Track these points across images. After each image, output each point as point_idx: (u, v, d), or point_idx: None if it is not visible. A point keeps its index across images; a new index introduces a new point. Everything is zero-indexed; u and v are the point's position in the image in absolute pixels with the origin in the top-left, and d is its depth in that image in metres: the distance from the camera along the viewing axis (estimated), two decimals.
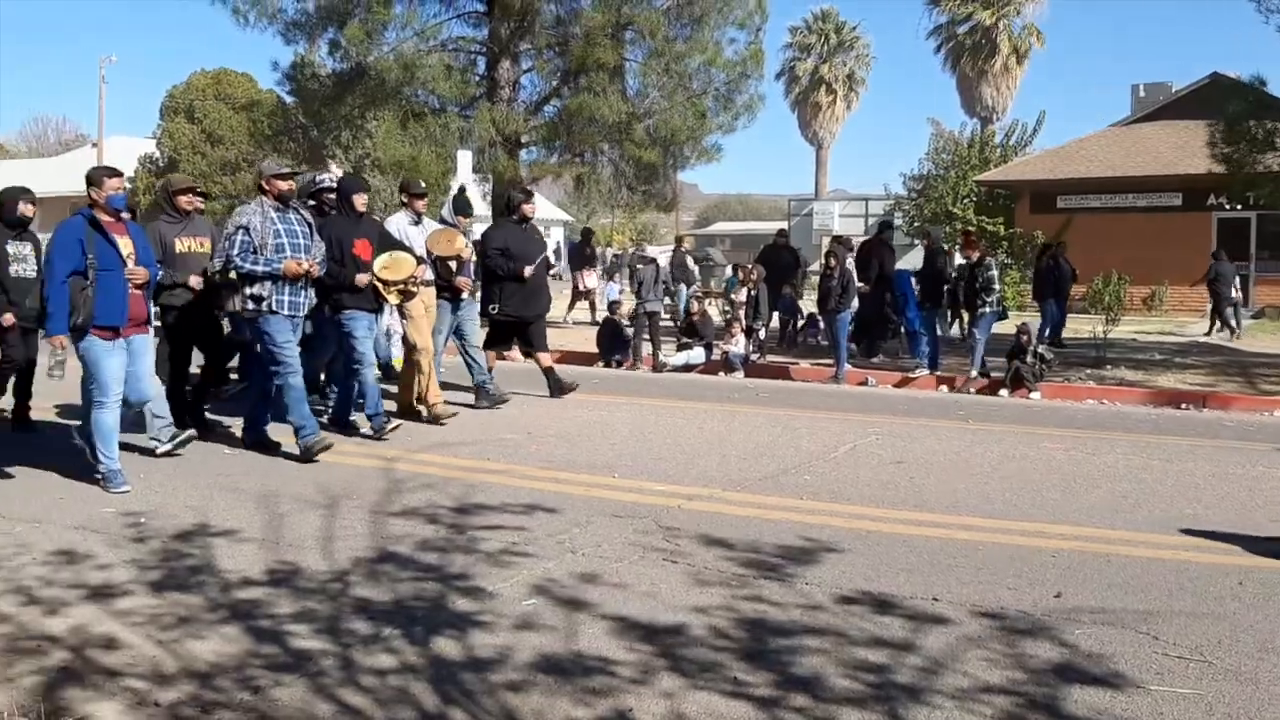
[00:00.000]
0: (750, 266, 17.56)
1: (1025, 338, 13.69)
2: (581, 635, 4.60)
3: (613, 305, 17.69)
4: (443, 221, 10.55)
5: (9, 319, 8.66)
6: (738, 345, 15.66)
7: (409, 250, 9.33)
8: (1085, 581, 5.38)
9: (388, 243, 9.20)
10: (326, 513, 6.59)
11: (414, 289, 9.20)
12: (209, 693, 4.03)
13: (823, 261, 15.99)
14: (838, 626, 4.71)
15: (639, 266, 16.17)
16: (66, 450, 7.91)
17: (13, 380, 9.11)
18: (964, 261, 14.79)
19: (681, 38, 20.07)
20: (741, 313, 16.40)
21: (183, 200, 8.71)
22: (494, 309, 10.79)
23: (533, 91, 21.43)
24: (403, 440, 8.83)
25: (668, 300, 19.39)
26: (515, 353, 12.44)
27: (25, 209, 8.97)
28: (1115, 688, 4.07)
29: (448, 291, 10.17)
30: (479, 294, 11.02)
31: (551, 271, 11.61)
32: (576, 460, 8.22)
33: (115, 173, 7.34)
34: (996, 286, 14.08)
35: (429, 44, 20.12)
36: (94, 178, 7.16)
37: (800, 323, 18.72)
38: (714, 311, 19.88)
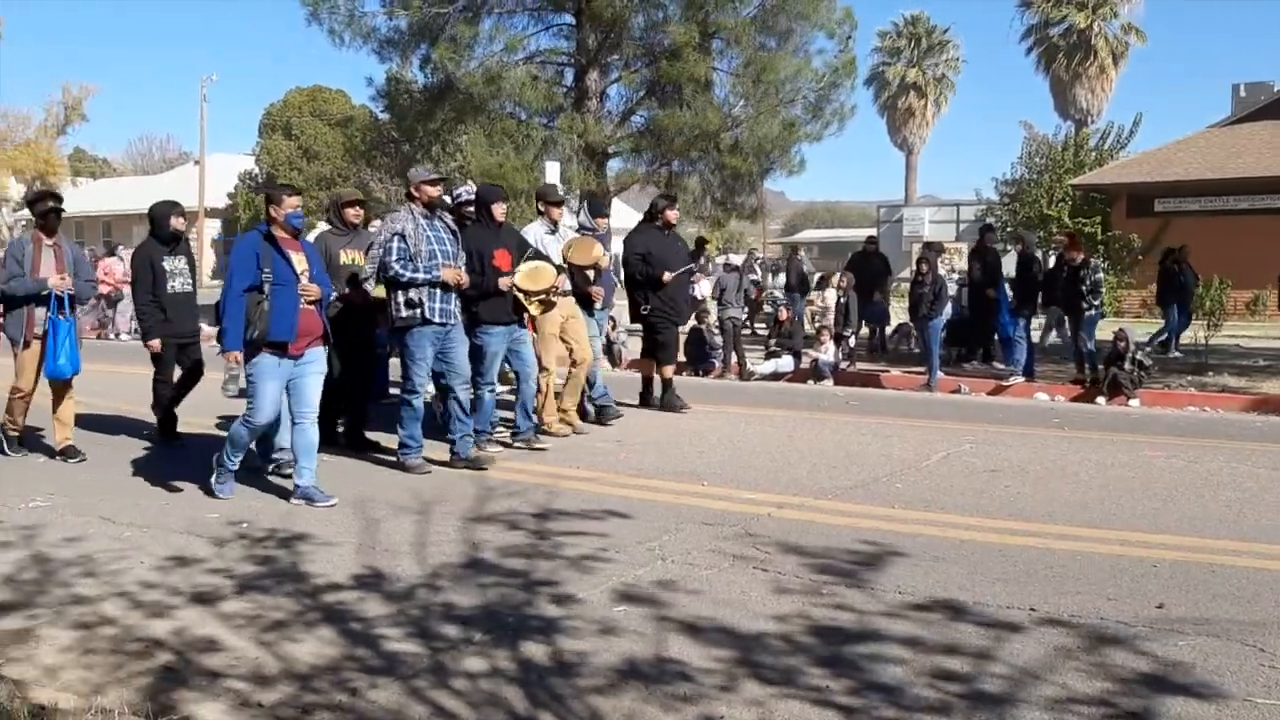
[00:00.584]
0: (840, 274, 17.43)
1: (1123, 344, 13.37)
2: (670, 642, 4.60)
3: (700, 314, 17.70)
4: (582, 229, 10.40)
5: (155, 344, 8.72)
6: (827, 353, 15.55)
7: (549, 260, 9.14)
8: (1188, 592, 5.23)
9: (527, 252, 8.96)
10: (419, 518, 6.68)
11: (554, 299, 9.02)
12: (308, 694, 4.12)
13: (914, 268, 15.81)
14: (928, 636, 4.64)
15: (721, 274, 16.16)
16: (174, 458, 8.16)
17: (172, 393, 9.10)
18: (1067, 264, 14.48)
19: (769, 46, 20.01)
20: (831, 320, 16.28)
21: (350, 213, 8.60)
22: (647, 309, 10.68)
23: (619, 102, 21.56)
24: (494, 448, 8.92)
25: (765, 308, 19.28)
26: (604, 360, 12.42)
27: (177, 223, 8.97)
28: (1219, 701, 3.95)
29: (582, 300, 9.96)
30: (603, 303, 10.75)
31: (694, 280, 11.33)
32: (666, 468, 8.22)
33: (294, 191, 7.38)
34: (1102, 289, 13.86)
35: (516, 57, 20.35)
36: (273, 196, 7.23)
37: (889, 330, 18.53)
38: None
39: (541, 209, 9.95)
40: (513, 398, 9.41)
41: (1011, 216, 33.55)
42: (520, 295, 8.68)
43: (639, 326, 11.27)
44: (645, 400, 11.16)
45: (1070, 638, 4.61)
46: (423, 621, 4.88)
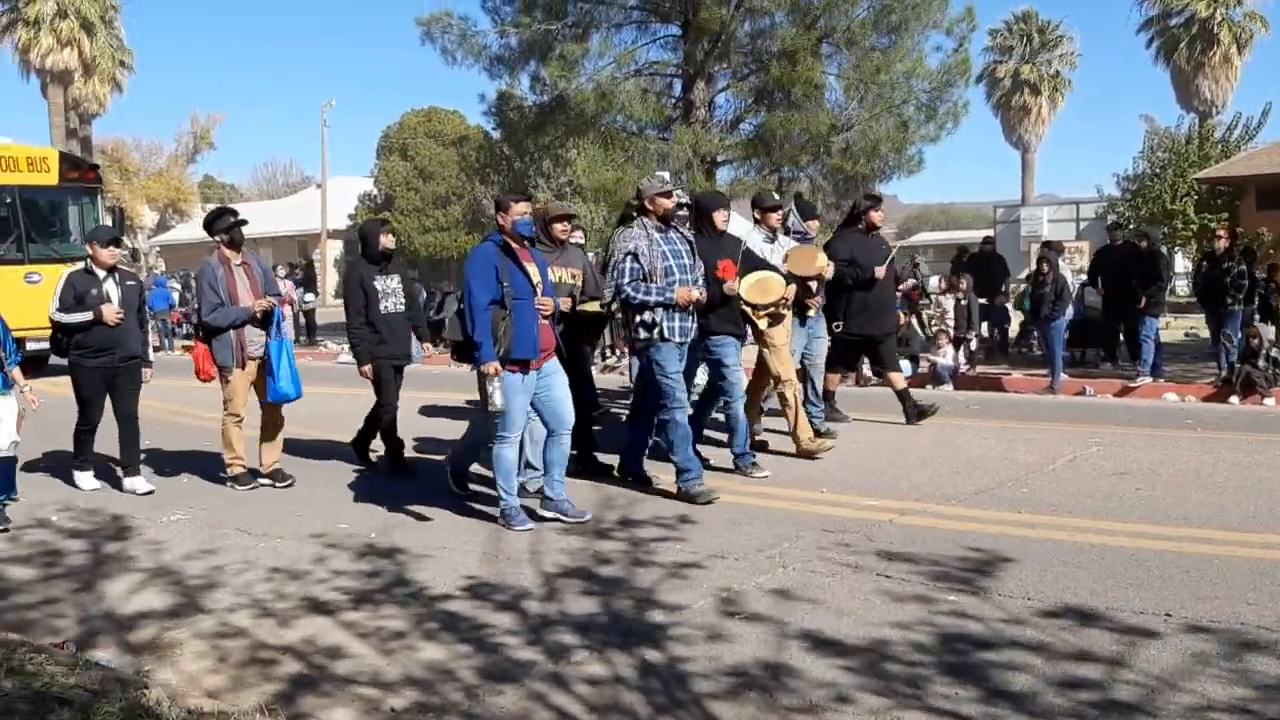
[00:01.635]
0: (959, 276, 17.15)
1: (1257, 340, 12.89)
2: (790, 649, 4.58)
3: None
4: (791, 233, 9.81)
5: (367, 370, 8.51)
6: (946, 357, 15.30)
7: (776, 270, 8.63)
8: None
9: (751, 263, 8.41)
10: (548, 527, 6.77)
11: (783, 312, 8.58)
12: (433, 698, 4.22)
13: (1034, 268, 15.46)
14: (1057, 643, 4.54)
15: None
16: (311, 474, 8.42)
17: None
18: (1220, 258, 13.98)
19: (881, 47, 19.79)
20: (950, 323, 16.01)
21: (558, 229, 7.96)
22: (838, 327, 10.17)
23: (728, 110, 21.54)
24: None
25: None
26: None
27: (386, 241, 8.70)
28: None
29: (795, 309, 9.18)
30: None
31: (902, 288, 11.08)
32: (784, 475, 8.17)
33: (525, 197, 7.11)
34: (1245, 283, 13.40)
35: (625, 71, 20.50)
36: (501, 202, 6.92)
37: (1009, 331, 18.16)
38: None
39: (757, 216, 9.44)
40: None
41: (1134, 213, 32.57)
42: (748, 309, 8.23)
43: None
44: (830, 412, 10.32)
45: (1208, 643, 4.47)
46: (541, 629, 4.96)
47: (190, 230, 56.29)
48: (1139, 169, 33.51)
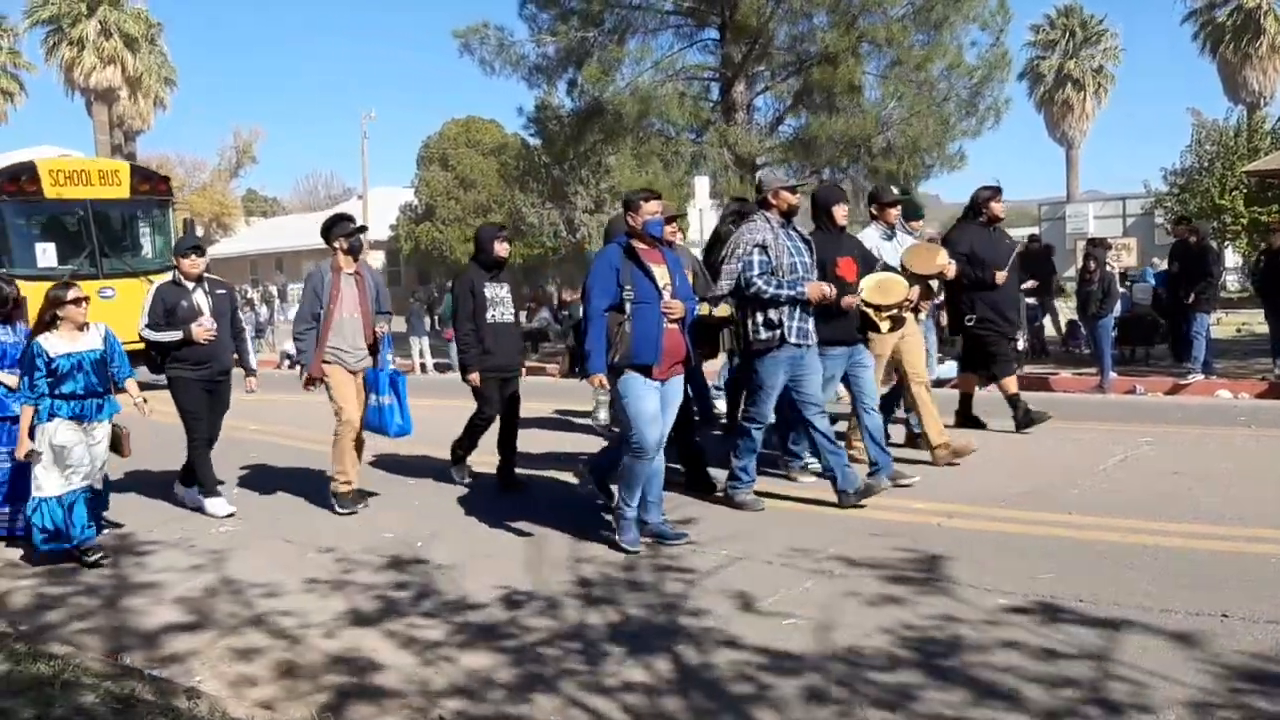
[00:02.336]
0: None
1: None
2: (836, 654, 4.53)
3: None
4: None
5: (475, 378, 8.02)
6: None
7: (898, 270, 8.17)
8: None
9: (871, 261, 7.98)
10: (587, 536, 6.75)
11: (906, 314, 8.13)
12: (478, 706, 4.22)
13: (1080, 265, 15.25)
14: (1111, 647, 4.45)
15: None
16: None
17: (496, 436, 8.35)
18: (1272, 252, 13.71)
19: (920, 44, 19.66)
20: None
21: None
22: (970, 320, 9.48)
23: (767, 112, 21.49)
24: None
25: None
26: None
27: (500, 248, 8.31)
28: None
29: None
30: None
31: (1025, 285, 10.23)
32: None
33: (655, 195, 6.60)
34: None
35: (663, 75, 20.50)
36: (631, 202, 6.50)
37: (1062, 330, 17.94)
38: None
39: (875, 212, 8.87)
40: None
41: (1182, 208, 32.11)
42: (869, 311, 7.73)
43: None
44: (965, 419, 9.92)
45: (1271, 642, 4.36)
46: (580, 635, 4.94)
47: (235, 244, 57.08)
48: (1186, 163, 33.04)
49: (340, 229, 7.94)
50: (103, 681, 4.53)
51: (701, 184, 19.47)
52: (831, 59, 18.87)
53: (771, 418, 7.29)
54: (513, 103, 47.98)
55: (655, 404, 6.27)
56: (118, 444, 6.92)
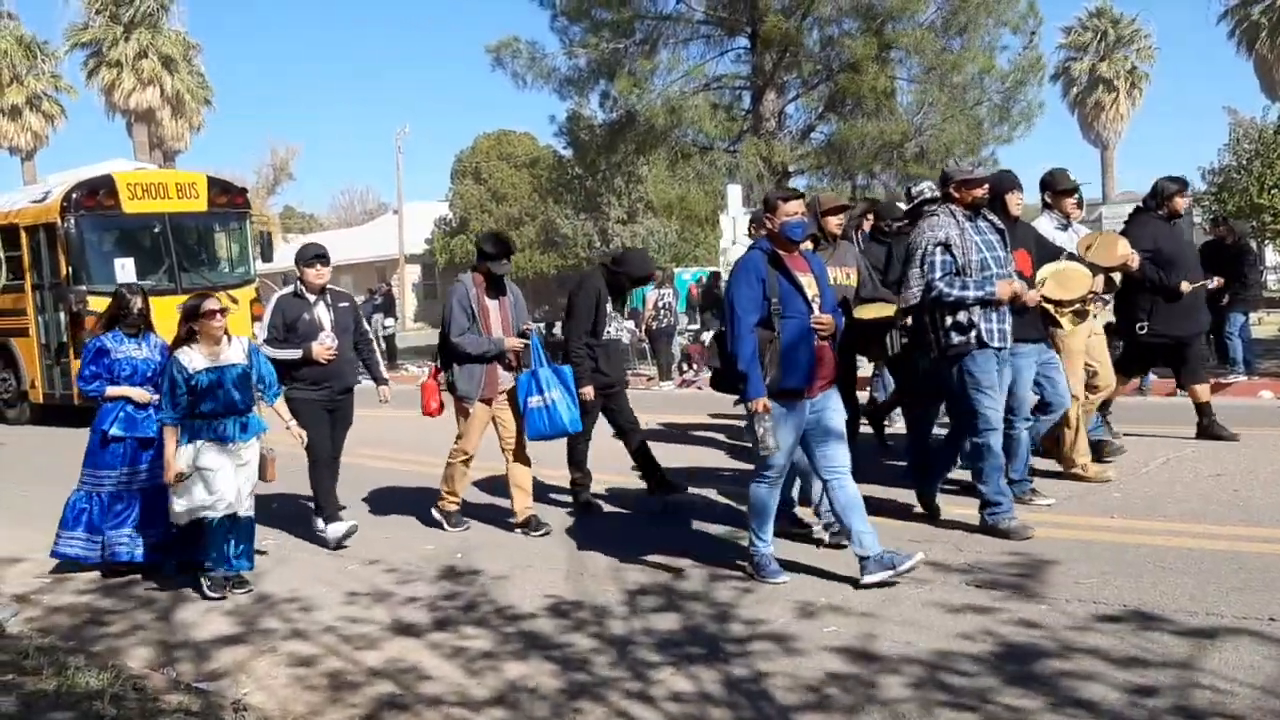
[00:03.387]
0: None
1: None
2: (881, 661, 4.52)
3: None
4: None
5: (589, 392, 7.55)
6: None
7: (1080, 261, 7.49)
8: None
9: (1046, 253, 7.36)
10: (636, 545, 6.77)
11: (1089, 309, 7.45)
12: (521, 717, 4.24)
13: None
14: (1156, 651, 4.41)
15: None
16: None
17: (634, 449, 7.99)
18: None
19: (951, 48, 19.60)
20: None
21: (833, 222, 7.01)
22: (1143, 328, 8.59)
23: (798, 120, 21.48)
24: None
25: None
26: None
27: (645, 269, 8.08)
28: None
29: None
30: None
31: (1213, 284, 9.51)
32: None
33: (796, 194, 5.90)
34: None
35: (694, 85, 20.54)
36: (769, 201, 5.83)
37: None
38: None
39: (1049, 200, 8.14)
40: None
41: (1220, 207, 31.77)
42: (1049, 306, 7.09)
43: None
44: (1206, 432, 8.98)
45: None
46: (625, 645, 4.95)
47: (275, 261, 57.40)
48: (1224, 162, 32.68)
49: (492, 246, 7.44)
50: (151, 696, 4.59)
51: (734, 192, 19.49)
52: (858, 66, 18.83)
53: (1000, 424, 6.48)
54: (544, 116, 48.22)
55: (795, 435, 5.69)
56: (262, 468, 6.45)
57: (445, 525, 7.57)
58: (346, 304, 7.57)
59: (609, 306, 7.90)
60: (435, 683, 4.68)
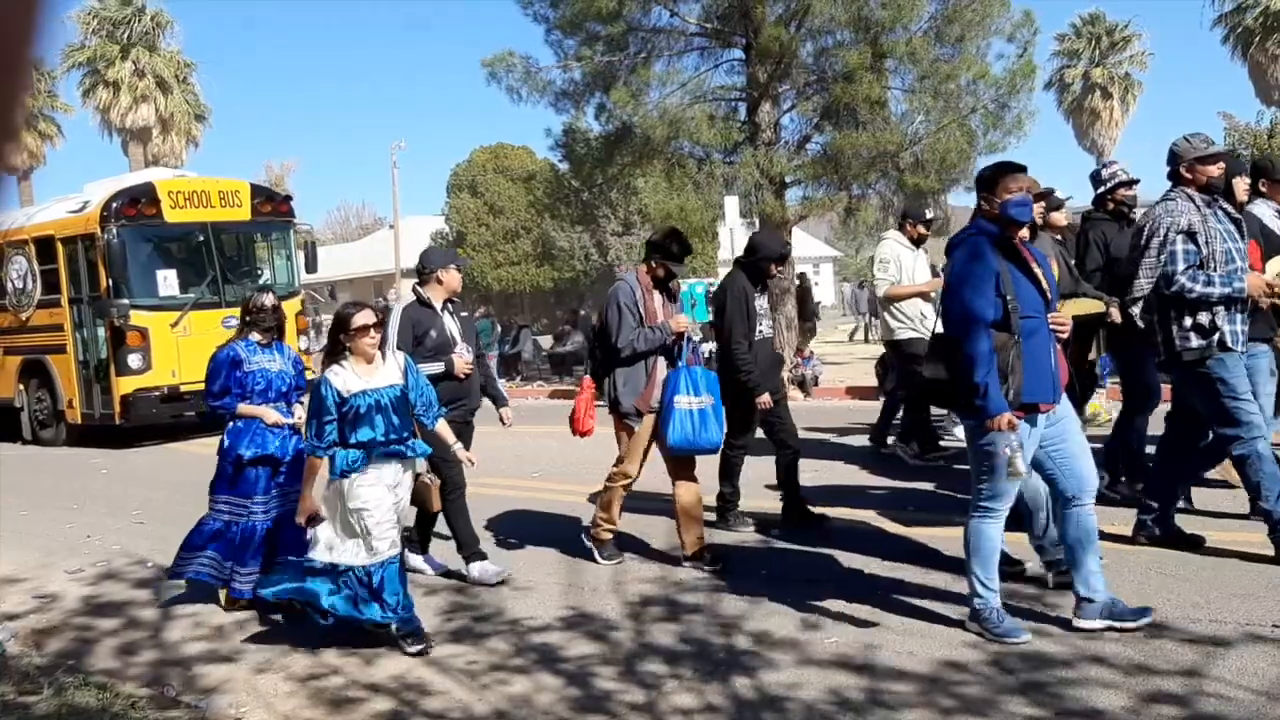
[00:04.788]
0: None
1: None
2: (884, 671, 4.50)
3: None
4: None
5: (767, 399, 6.96)
6: None
7: None
8: None
9: (1273, 245, 6.45)
10: (634, 560, 6.74)
11: None
12: None
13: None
14: (1162, 658, 4.40)
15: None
16: None
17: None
18: None
19: (944, 58, 19.65)
20: None
21: (1034, 210, 5.70)
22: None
23: (794, 131, 21.48)
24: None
25: None
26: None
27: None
28: None
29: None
30: None
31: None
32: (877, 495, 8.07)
33: (1018, 168, 4.99)
34: None
35: (690, 96, 20.56)
36: (988, 178, 4.91)
37: None
38: None
39: (1264, 189, 7.01)
40: None
41: None
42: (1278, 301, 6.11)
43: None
44: None
45: None
46: (631, 659, 4.94)
47: None
48: None
49: (674, 244, 6.61)
50: (149, 713, 4.57)
51: (731, 204, 19.50)
52: (852, 76, 18.87)
53: (1264, 427, 5.64)
54: (540, 129, 48.18)
55: (1028, 454, 4.80)
56: (424, 498, 5.83)
57: (597, 556, 6.67)
58: (466, 314, 6.92)
59: (765, 303, 7.31)
60: (439, 698, 4.67)
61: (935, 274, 9.30)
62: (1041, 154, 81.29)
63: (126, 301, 13.98)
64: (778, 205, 19.73)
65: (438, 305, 6.46)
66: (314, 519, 5.26)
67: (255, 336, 6.27)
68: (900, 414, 9.45)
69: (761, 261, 7.18)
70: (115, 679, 5.12)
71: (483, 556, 6.48)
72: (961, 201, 23.90)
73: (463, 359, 6.39)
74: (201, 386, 14.88)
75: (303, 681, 5.00)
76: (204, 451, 8.63)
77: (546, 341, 26.54)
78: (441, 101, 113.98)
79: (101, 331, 14.40)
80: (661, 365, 6.42)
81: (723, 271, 20.04)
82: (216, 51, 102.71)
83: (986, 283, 4.67)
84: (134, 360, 13.94)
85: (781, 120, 21.20)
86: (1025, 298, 4.70)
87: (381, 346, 5.43)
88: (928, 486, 8.16)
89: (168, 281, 14.51)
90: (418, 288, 6.57)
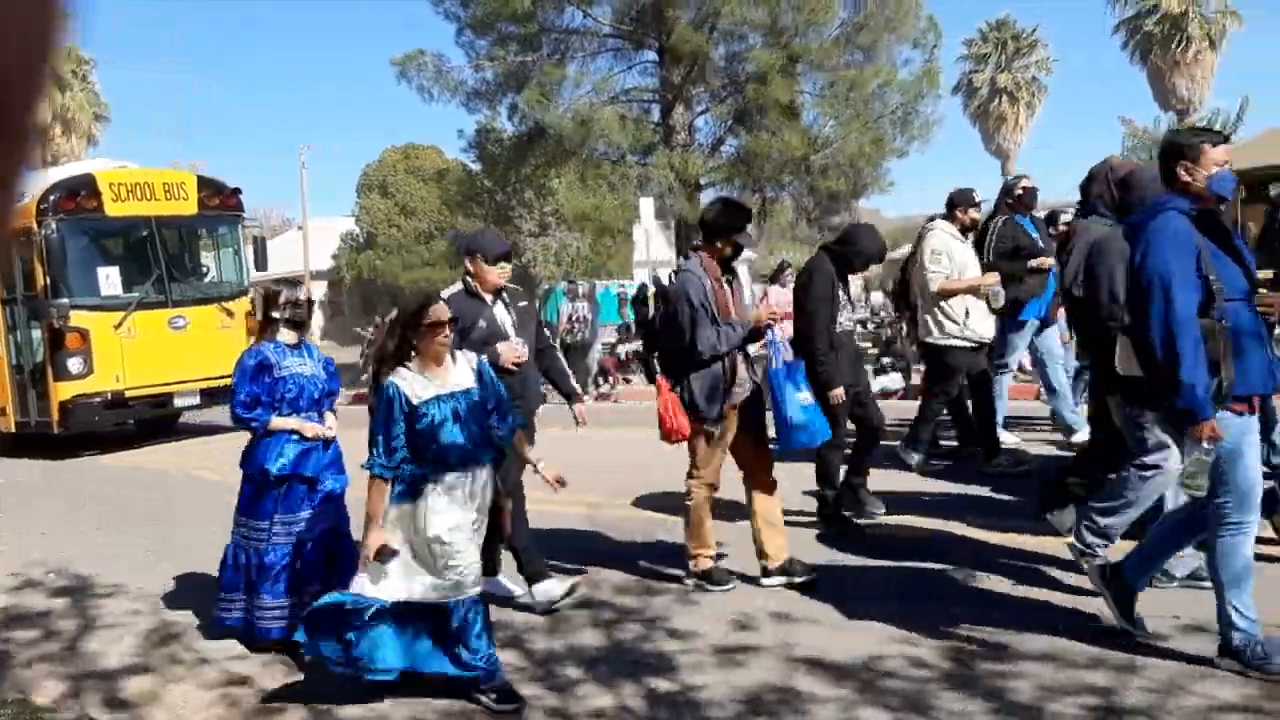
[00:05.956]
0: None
1: None
2: (824, 670, 4.52)
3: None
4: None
5: (839, 394, 6.52)
6: None
7: None
8: None
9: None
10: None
11: None
12: None
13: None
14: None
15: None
16: None
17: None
18: None
19: (854, 63, 19.92)
20: None
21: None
22: None
23: (708, 133, 21.63)
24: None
25: None
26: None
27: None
28: None
29: None
30: None
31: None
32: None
33: (1222, 136, 4.54)
34: None
35: (603, 97, 20.57)
36: (1183, 145, 4.32)
37: None
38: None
39: None
40: None
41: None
42: None
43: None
44: None
45: None
46: (546, 664, 4.90)
47: None
48: None
49: (738, 219, 5.94)
50: None
51: (646, 205, 19.55)
52: (765, 79, 19.05)
53: None
54: (453, 128, 47.69)
55: (1257, 453, 4.28)
56: (499, 522, 4.99)
57: (709, 586, 5.83)
58: (526, 303, 6.14)
59: (843, 295, 6.83)
60: (355, 706, 4.59)
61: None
62: (949, 158, 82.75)
63: (66, 301, 13.03)
64: (691, 207, 19.84)
65: (486, 296, 5.66)
66: (384, 553, 4.31)
67: (285, 336, 5.48)
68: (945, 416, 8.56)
69: (854, 256, 6.80)
70: (22, 693, 4.96)
71: (550, 575, 5.78)
72: (873, 204, 24.23)
73: (514, 350, 5.58)
74: (149, 391, 13.55)
75: (218, 691, 4.89)
76: (142, 462, 8.27)
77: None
78: (352, 100, 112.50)
79: (38, 333, 13.48)
80: (740, 362, 5.79)
81: (639, 274, 20.08)
82: (121, 50, 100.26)
83: (1189, 263, 4.13)
84: (74, 364, 12.96)
85: (695, 123, 21.35)
86: (1230, 279, 4.18)
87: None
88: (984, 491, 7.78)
89: (110, 280, 13.58)
90: (467, 277, 5.74)
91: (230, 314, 14.20)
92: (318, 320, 47.93)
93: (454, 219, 37.60)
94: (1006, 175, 8.03)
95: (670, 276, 6.02)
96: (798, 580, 5.73)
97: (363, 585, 4.33)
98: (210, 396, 13.64)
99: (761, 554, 5.79)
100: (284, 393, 5.36)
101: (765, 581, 5.77)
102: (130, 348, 13.31)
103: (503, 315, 5.69)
